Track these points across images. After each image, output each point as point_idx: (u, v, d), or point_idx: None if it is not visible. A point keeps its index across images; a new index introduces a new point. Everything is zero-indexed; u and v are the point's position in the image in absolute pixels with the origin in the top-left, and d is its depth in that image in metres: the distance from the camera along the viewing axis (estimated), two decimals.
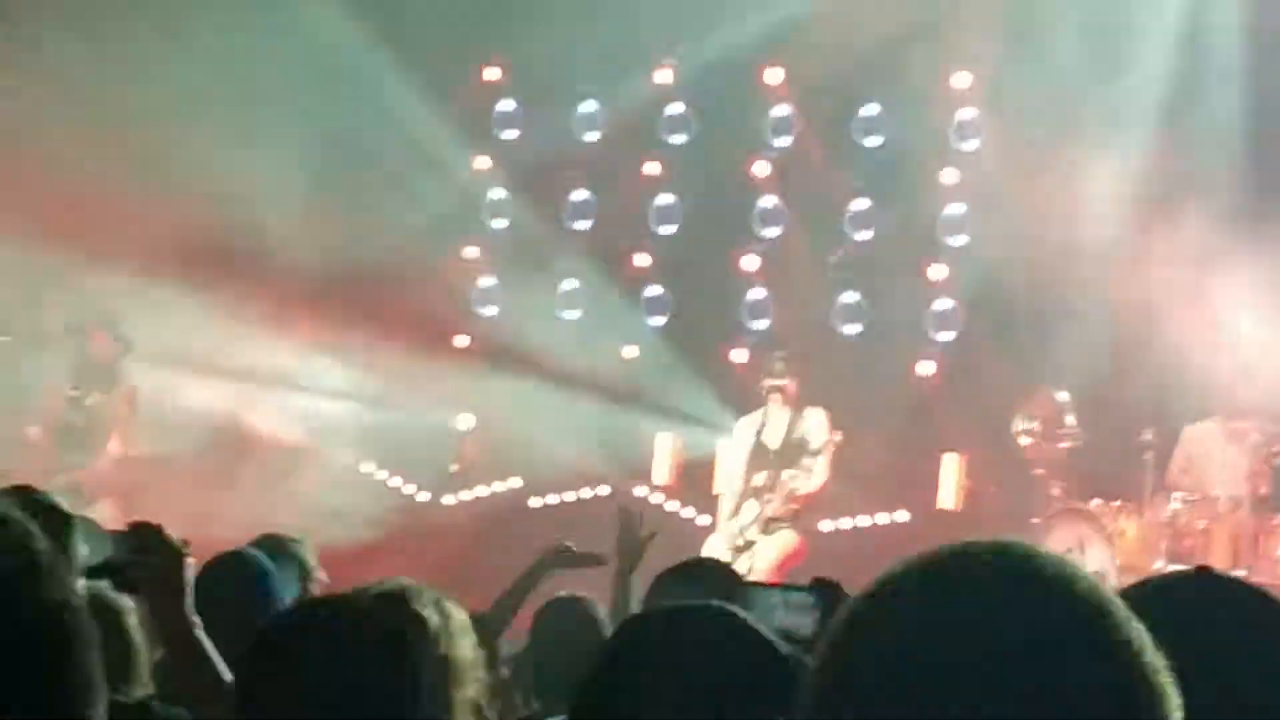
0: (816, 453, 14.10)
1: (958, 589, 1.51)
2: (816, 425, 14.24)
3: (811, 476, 14.14)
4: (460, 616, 3.30)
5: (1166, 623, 2.15)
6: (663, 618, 3.00)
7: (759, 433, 14.37)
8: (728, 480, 14.64)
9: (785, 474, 14.18)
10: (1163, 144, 14.48)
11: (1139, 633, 1.51)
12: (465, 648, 3.24)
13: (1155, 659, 1.50)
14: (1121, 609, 1.52)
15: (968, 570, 1.53)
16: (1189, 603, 2.26)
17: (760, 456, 14.38)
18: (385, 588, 3.29)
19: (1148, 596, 2.26)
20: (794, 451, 14.20)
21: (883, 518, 15.43)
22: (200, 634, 4.14)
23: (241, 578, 5.44)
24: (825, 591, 4.10)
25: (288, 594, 5.51)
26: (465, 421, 16.96)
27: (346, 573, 5.16)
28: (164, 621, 4.16)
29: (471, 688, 3.21)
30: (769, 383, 14.28)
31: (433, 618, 3.22)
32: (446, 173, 16.83)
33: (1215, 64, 14.52)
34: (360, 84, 16.14)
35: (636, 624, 2.95)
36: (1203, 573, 2.47)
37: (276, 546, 6.03)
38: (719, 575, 5.23)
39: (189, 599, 4.13)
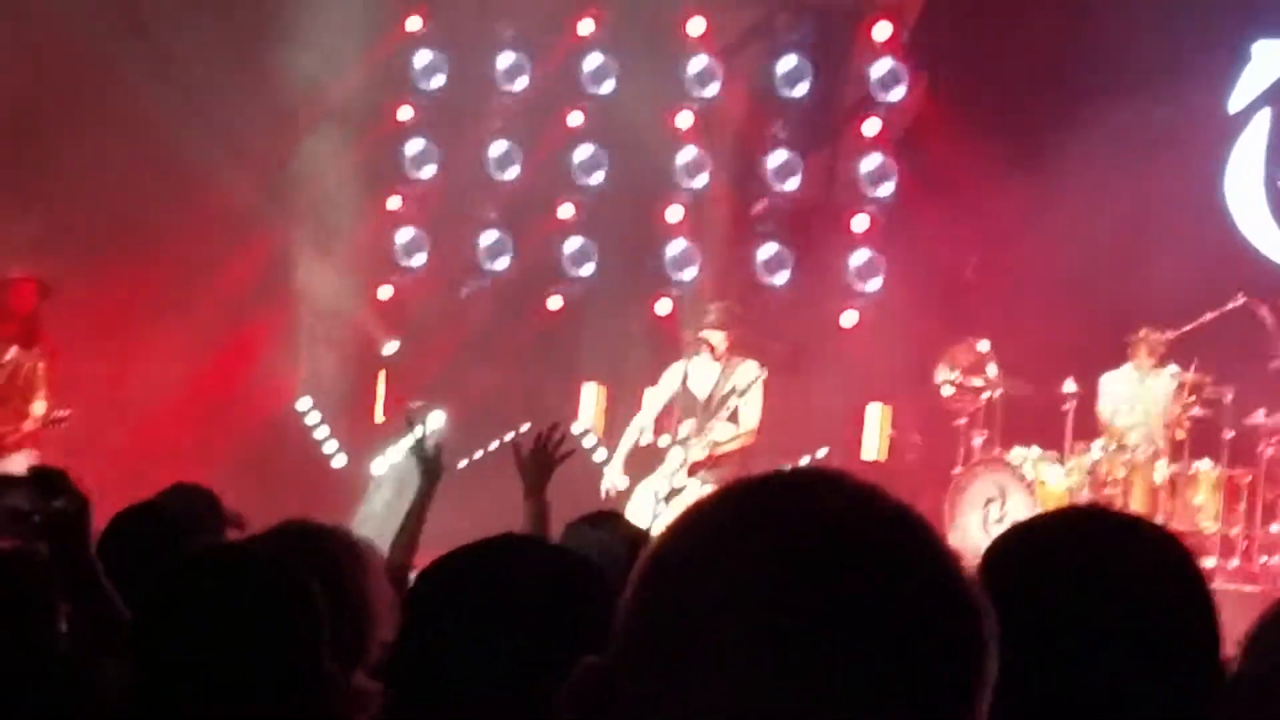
0: (749, 430, 14.02)
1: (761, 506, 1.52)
2: (752, 387, 14.14)
3: (738, 429, 14.09)
4: (371, 555, 3.29)
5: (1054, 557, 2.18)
6: (470, 551, 2.84)
7: (685, 381, 14.32)
8: (642, 420, 14.55)
9: (712, 423, 14.15)
10: None
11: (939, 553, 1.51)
12: (378, 586, 3.23)
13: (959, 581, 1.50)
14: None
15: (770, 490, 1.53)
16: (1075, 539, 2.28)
17: (688, 405, 14.34)
18: (294, 529, 3.28)
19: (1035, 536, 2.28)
20: (721, 403, 14.17)
21: (805, 463, 15.48)
22: (102, 579, 4.13)
23: (155, 527, 5.41)
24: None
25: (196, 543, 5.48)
26: (390, 347, 16.92)
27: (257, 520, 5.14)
28: (68, 566, 4.15)
29: (386, 627, 3.20)
30: (703, 333, 14.20)
31: (344, 558, 3.21)
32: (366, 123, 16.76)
33: None
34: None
35: (443, 562, 2.80)
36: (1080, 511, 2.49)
37: (189, 497, 6.00)
38: (626, 524, 5.24)
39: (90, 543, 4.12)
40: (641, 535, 5.05)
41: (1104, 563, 2.20)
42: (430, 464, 7.16)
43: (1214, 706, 2.20)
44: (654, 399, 14.51)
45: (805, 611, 1.44)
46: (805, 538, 1.48)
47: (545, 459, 7.01)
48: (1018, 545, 2.24)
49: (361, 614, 3.12)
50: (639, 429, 14.32)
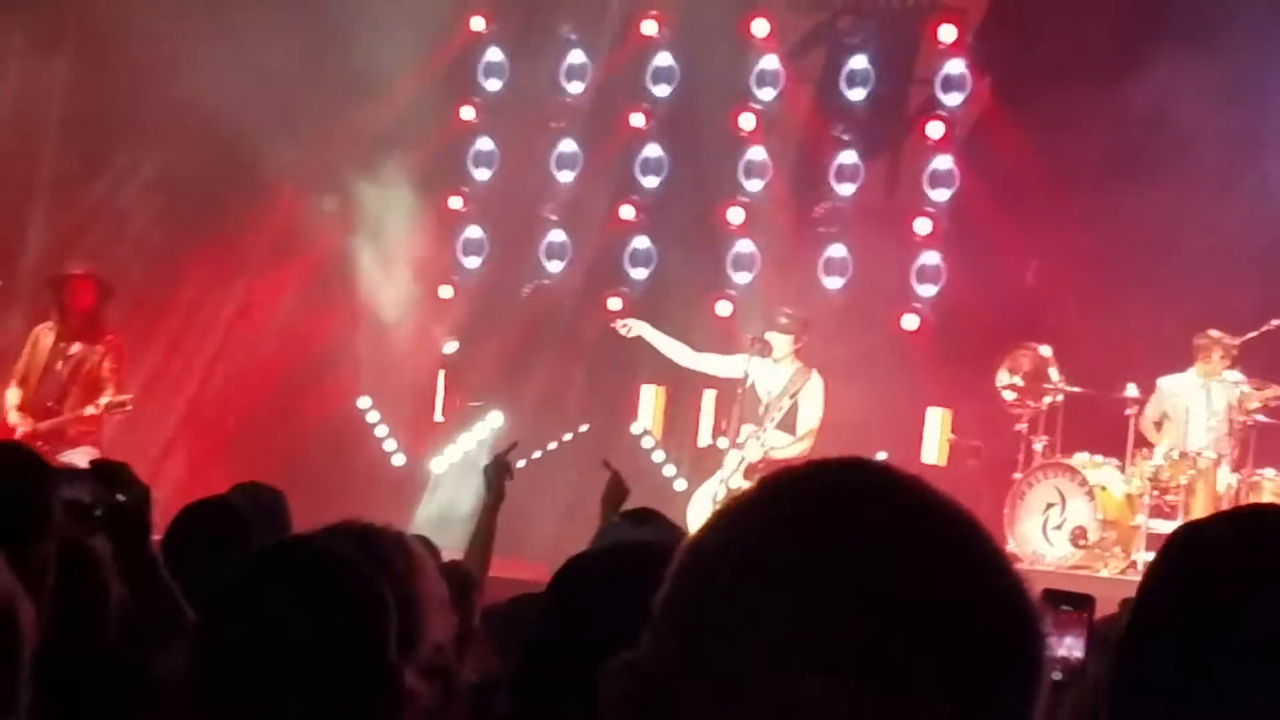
0: (805, 435, 14.03)
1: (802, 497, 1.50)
2: (813, 397, 14.10)
3: (795, 436, 14.10)
4: (423, 555, 3.29)
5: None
6: (599, 555, 2.98)
7: (747, 382, 14.27)
8: (693, 360, 14.65)
9: (769, 427, 14.13)
10: None
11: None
12: (429, 587, 3.22)
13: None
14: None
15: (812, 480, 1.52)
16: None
17: (749, 408, 14.30)
18: (348, 528, 3.28)
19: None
20: (779, 407, 14.13)
21: None
22: (162, 573, 4.14)
23: (222, 524, 5.43)
24: None
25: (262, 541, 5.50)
26: (450, 347, 16.97)
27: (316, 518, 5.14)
28: (129, 560, 4.16)
29: (436, 628, 3.19)
30: (769, 334, 14.14)
31: (397, 557, 3.21)
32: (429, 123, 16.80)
33: None
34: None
35: (577, 563, 2.91)
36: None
37: (256, 495, 6.02)
38: (667, 522, 5.25)
39: (150, 535, 4.13)
40: (682, 534, 5.06)
41: None
42: (497, 481, 7.33)
43: None
44: (710, 364, 14.55)
45: (852, 608, 1.43)
46: (852, 532, 1.46)
47: (619, 493, 7.30)
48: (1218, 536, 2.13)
49: (412, 614, 3.11)
50: (687, 354, 14.41)
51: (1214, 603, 2.01)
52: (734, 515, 1.52)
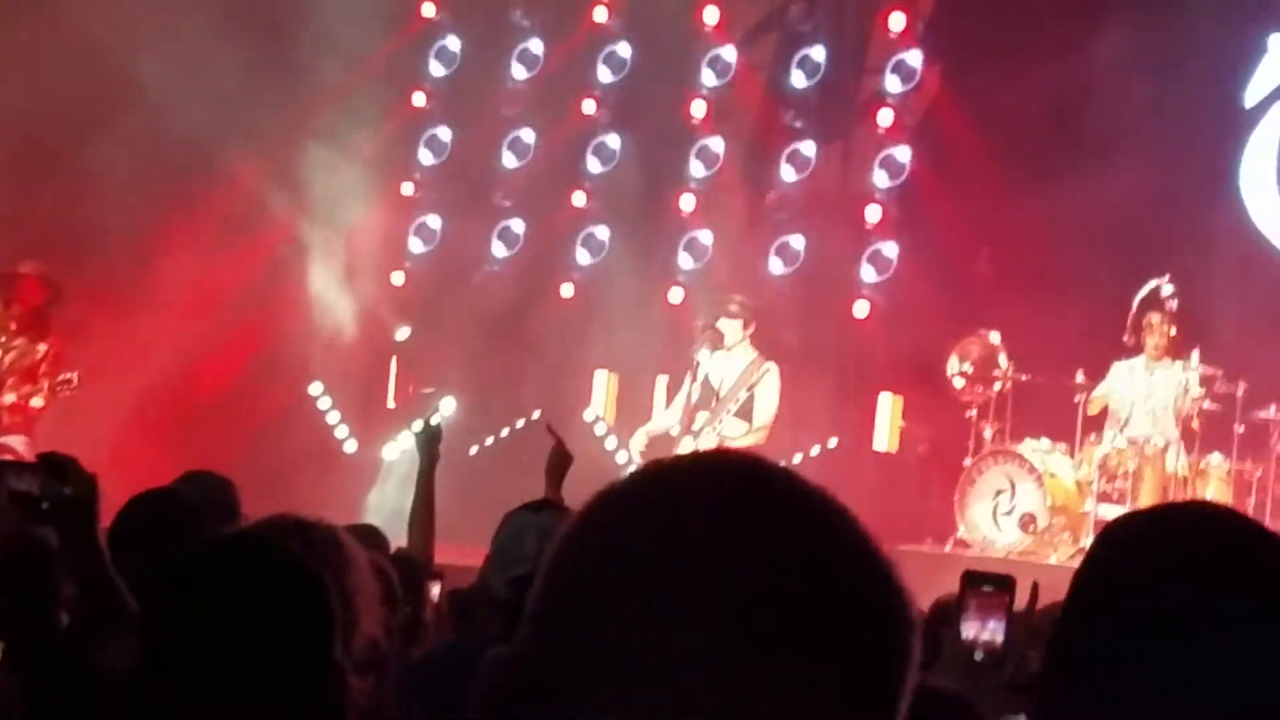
0: (761, 427, 14.01)
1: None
2: (769, 390, 14.05)
3: (751, 425, 14.10)
4: (355, 549, 3.29)
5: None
6: None
7: (697, 371, 14.28)
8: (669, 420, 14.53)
9: (724, 416, 14.10)
10: None
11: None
12: (361, 581, 3.23)
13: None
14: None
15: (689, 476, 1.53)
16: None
17: (704, 397, 14.28)
18: (281, 522, 3.28)
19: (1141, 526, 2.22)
20: (733, 397, 14.08)
21: (816, 453, 15.50)
22: (109, 566, 4.14)
23: (170, 515, 5.42)
24: None
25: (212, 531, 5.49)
26: (402, 333, 16.96)
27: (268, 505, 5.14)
28: (76, 553, 4.16)
29: (368, 622, 3.20)
30: (720, 322, 14.12)
31: (329, 552, 3.21)
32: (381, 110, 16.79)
33: None
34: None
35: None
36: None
37: (204, 484, 6.02)
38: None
39: (97, 527, 4.13)
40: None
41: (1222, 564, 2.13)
42: (429, 446, 7.27)
43: None
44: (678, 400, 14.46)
45: (719, 590, 1.44)
46: (718, 516, 1.47)
47: (565, 459, 7.26)
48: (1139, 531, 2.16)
49: (346, 609, 3.12)
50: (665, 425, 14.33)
51: (1127, 600, 2.05)
52: (604, 510, 1.53)
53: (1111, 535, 2.14)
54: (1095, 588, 2.09)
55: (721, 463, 1.54)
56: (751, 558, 1.46)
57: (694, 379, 14.23)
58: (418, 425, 7.51)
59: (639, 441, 14.31)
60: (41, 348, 14.11)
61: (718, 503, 1.49)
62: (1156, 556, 2.07)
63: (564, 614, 1.49)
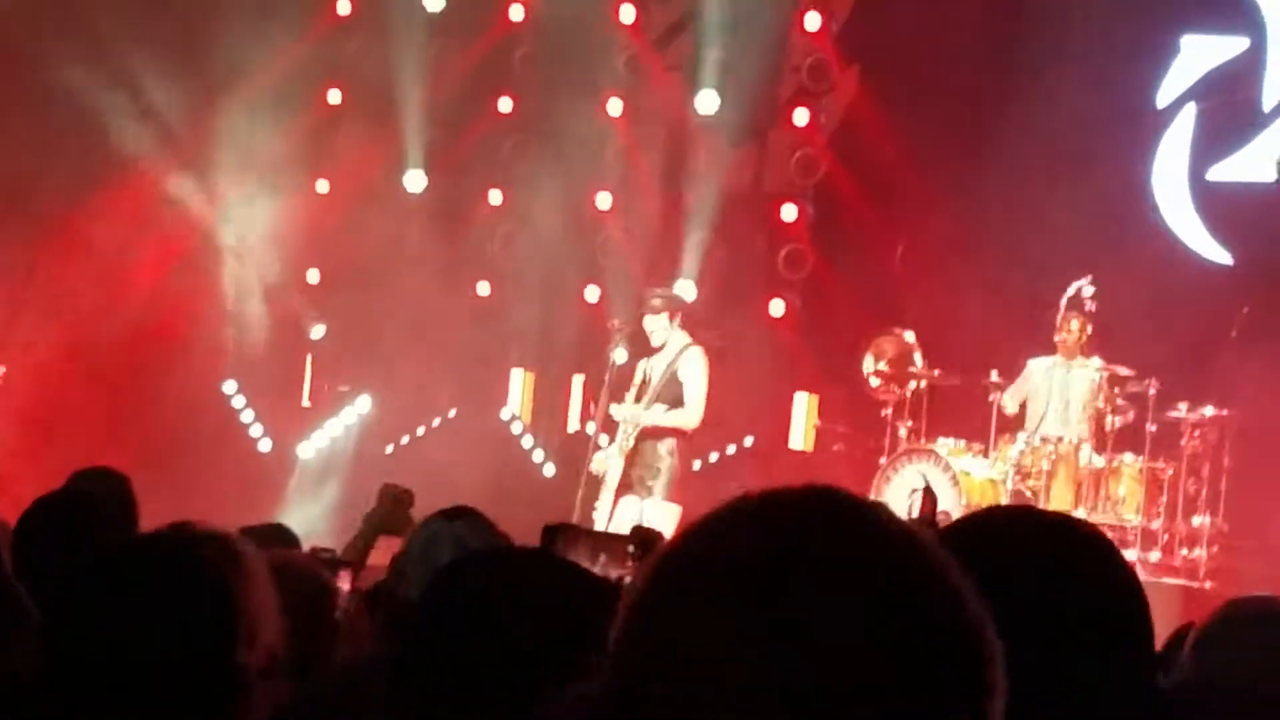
0: (689, 407, 13.78)
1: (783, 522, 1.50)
2: (693, 367, 13.80)
3: (672, 416, 13.86)
4: (255, 557, 3.25)
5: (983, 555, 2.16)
6: (484, 560, 3.01)
7: (614, 366, 14.16)
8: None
9: (653, 406, 13.84)
10: None
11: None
12: (260, 591, 3.20)
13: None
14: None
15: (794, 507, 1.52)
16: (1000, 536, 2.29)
17: (622, 390, 14.12)
18: (180, 530, 3.23)
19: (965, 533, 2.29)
20: (666, 383, 13.85)
21: (733, 451, 15.51)
22: (4, 571, 4.09)
23: (73, 516, 5.36)
24: (645, 542, 4.06)
25: (117, 531, 5.44)
26: (318, 331, 16.88)
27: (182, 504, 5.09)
28: None
29: (268, 631, 3.17)
30: (646, 319, 13.93)
31: (225, 562, 3.17)
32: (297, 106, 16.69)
33: None
34: None
35: (456, 568, 2.94)
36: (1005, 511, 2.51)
37: (105, 481, 5.96)
38: (484, 519, 5.25)
39: None
40: (492, 531, 5.08)
41: (1035, 559, 2.21)
42: (397, 500, 7.31)
43: (1167, 704, 2.21)
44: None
45: (820, 627, 1.43)
46: (811, 560, 1.46)
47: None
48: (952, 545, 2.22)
49: (244, 619, 3.10)
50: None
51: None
52: (689, 550, 1.50)
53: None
54: None
55: (817, 502, 1.52)
56: (845, 616, 1.44)
57: (609, 380, 14.14)
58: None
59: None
60: None
61: (814, 554, 1.46)
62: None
63: (650, 654, 1.47)
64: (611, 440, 13.77)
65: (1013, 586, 2.12)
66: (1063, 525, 2.40)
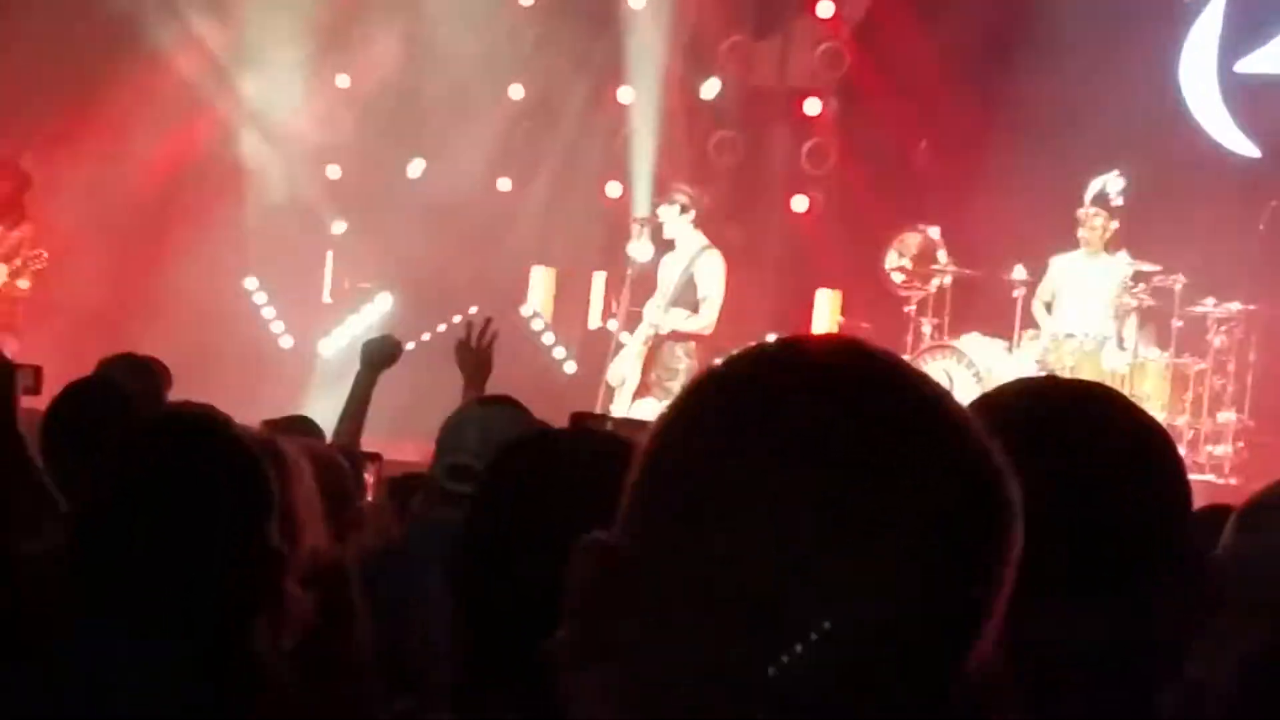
0: (705, 310, 13.71)
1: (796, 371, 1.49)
2: (710, 269, 13.72)
3: (695, 320, 13.80)
4: (298, 460, 3.22)
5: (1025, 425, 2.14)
6: (542, 438, 2.95)
7: (631, 263, 14.10)
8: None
9: (671, 312, 13.80)
10: None
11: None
12: (304, 493, 3.17)
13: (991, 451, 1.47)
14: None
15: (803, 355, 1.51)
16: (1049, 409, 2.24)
17: (643, 291, 14.08)
18: (211, 411, 3.19)
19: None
20: (684, 287, 13.82)
21: None
22: (29, 453, 4.05)
23: (102, 401, 5.33)
24: None
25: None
26: (338, 228, 16.83)
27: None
28: None
29: (312, 533, 3.14)
30: (661, 210, 13.83)
31: (279, 456, 3.14)
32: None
33: None
34: None
35: (516, 448, 2.88)
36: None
37: (132, 367, 5.94)
38: (516, 407, 5.27)
39: (17, 415, 4.04)
40: (531, 419, 5.10)
41: (1071, 428, 2.17)
42: (376, 354, 7.24)
43: (1202, 586, 2.18)
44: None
45: (839, 475, 1.41)
46: (840, 402, 1.44)
47: (479, 355, 7.20)
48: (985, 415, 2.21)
49: (288, 522, 3.06)
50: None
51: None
52: (701, 395, 1.50)
53: None
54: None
55: (830, 352, 1.50)
56: (854, 446, 1.42)
57: (629, 277, 14.10)
58: (373, 338, 7.49)
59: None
60: (16, 234, 14.28)
61: (817, 392, 1.45)
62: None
63: (658, 498, 1.46)
64: (633, 337, 13.79)
65: (1046, 453, 2.07)
66: (1096, 392, 2.35)
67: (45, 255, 14.34)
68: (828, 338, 1.55)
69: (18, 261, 14.28)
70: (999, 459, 1.47)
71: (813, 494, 1.40)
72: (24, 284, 14.32)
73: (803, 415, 1.43)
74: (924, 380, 1.49)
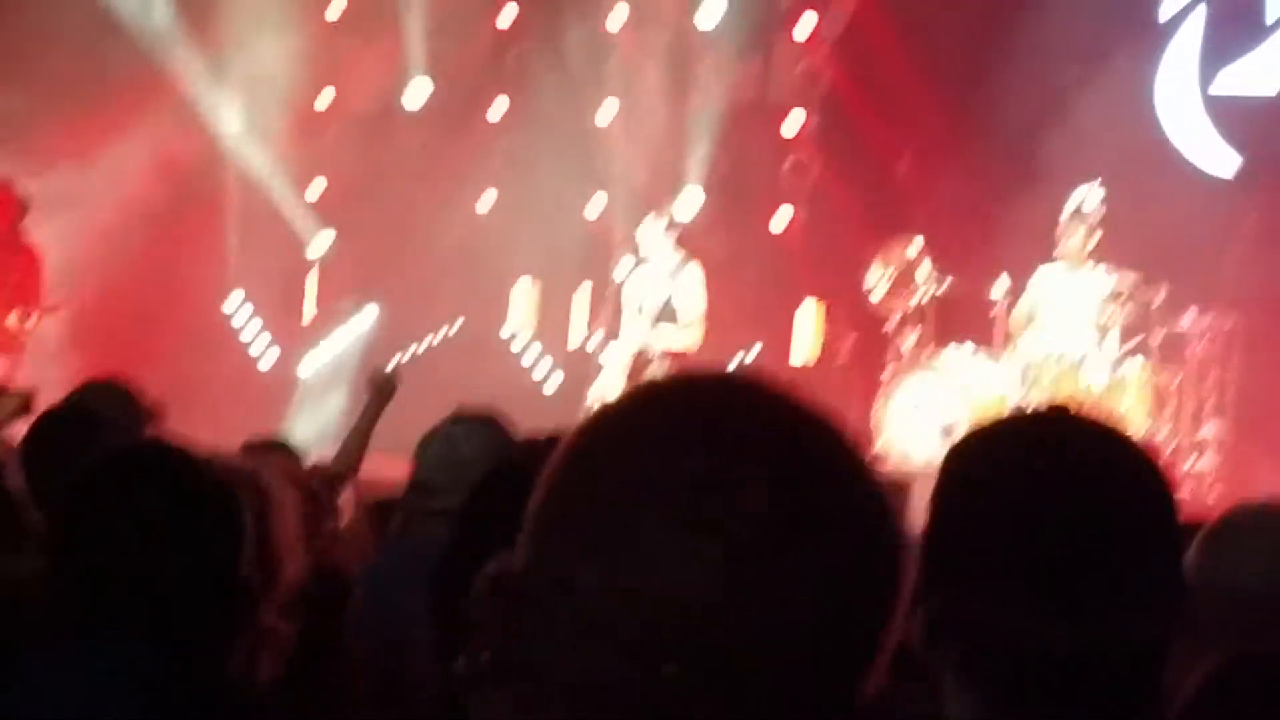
0: (693, 320, 13.72)
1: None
2: (691, 283, 13.74)
3: (681, 334, 13.81)
4: (281, 490, 3.21)
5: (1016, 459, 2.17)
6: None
7: (624, 283, 14.11)
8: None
9: (659, 326, 13.79)
10: None
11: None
12: (284, 524, 3.17)
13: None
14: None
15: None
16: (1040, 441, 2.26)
17: (628, 308, 14.08)
18: (183, 442, 3.19)
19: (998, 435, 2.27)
20: (665, 302, 13.82)
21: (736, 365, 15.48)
22: (4, 479, 4.06)
23: (79, 428, 5.33)
24: None
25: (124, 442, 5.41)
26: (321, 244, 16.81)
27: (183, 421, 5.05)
28: None
29: (292, 567, 3.14)
30: (639, 232, 13.87)
31: (248, 495, 3.13)
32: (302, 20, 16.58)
33: None
34: None
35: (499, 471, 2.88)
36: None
37: (111, 394, 5.93)
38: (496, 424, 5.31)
39: None
40: (507, 436, 5.12)
41: (1075, 465, 2.19)
42: (385, 385, 7.37)
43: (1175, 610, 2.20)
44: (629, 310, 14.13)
45: (731, 509, 1.44)
46: (729, 436, 1.47)
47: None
48: (986, 443, 2.25)
49: (268, 553, 3.07)
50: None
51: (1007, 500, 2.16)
52: (598, 425, 1.53)
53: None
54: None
55: (717, 389, 1.53)
56: (734, 486, 1.45)
57: (612, 294, 14.08)
58: (361, 356, 7.62)
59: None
60: (16, 277, 14.01)
61: (714, 434, 1.48)
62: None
63: (559, 527, 1.49)
64: (614, 354, 13.78)
65: (1042, 488, 2.14)
66: (1097, 428, 2.36)
67: (60, 305, 14.04)
68: (725, 377, 1.55)
69: (33, 317, 13.90)
70: (890, 500, 1.50)
71: (706, 531, 1.43)
72: (30, 324, 13.95)
73: (698, 458, 1.46)
74: (819, 421, 1.51)
